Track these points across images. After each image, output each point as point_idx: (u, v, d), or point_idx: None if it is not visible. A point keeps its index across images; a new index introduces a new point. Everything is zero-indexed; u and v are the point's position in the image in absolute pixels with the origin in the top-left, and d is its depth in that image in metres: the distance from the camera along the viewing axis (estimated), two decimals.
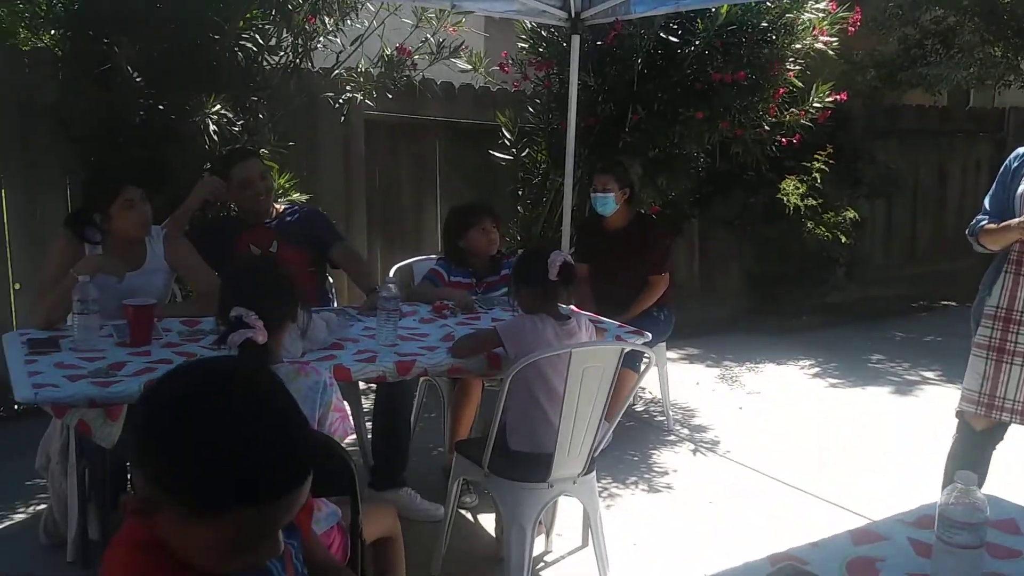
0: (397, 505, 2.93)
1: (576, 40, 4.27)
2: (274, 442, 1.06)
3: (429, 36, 4.41)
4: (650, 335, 3.37)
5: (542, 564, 3.16)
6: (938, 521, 1.42)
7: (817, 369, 5.88)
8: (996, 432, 3.06)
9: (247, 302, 2.01)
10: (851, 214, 6.44)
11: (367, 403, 3.90)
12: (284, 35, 4.20)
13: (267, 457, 1.05)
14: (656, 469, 4.10)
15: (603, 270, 4.41)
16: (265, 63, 4.22)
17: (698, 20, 4.49)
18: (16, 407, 4.35)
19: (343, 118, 4.93)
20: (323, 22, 4.14)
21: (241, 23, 3.77)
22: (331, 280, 3.94)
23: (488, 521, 3.46)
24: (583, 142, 4.83)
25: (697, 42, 4.52)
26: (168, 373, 1.13)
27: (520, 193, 5.45)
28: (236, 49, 3.88)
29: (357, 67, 4.59)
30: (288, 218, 3.65)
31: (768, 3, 4.44)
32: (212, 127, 3.73)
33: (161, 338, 2.89)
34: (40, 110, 4.23)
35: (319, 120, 5.13)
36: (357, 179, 5.48)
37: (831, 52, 4.98)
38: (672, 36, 4.61)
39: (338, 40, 4.30)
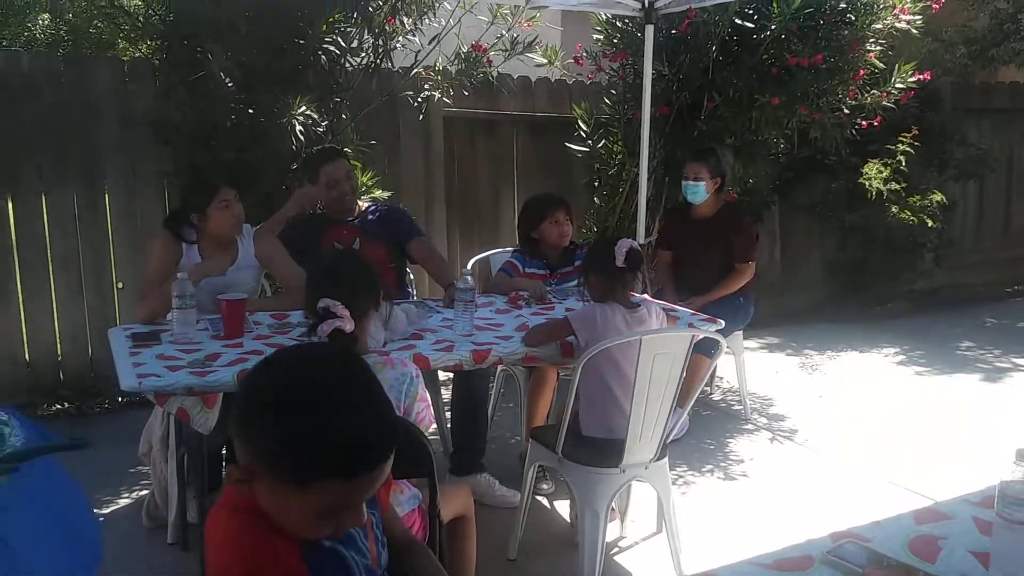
0: (476, 491, 3.03)
1: (650, 30, 4.28)
2: (362, 421, 1.18)
3: (504, 32, 4.49)
4: (723, 322, 3.39)
5: (616, 549, 3.22)
6: (998, 497, 1.44)
7: (902, 357, 5.76)
8: None
9: (334, 293, 2.13)
10: (938, 197, 6.26)
11: (446, 393, 4.02)
12: (365, 36, 4.34)
13: (355, 435, 1.17)
14: (732, 458, 4.11)
15: (688, 256, 4.48)
16: (347, 64, 4.37)
17: (773, 3, 4.43)
18: (120, 399, 4.64)
19: (421, 116, 5.06)
20: (402, 22, 4.26)
21: (324, 27, 3.92)
22: (411, 275, 4.08)
23: (563, 507, 3.54)
24: (658, 132, 4.85)
25: (773, 26, 4.47)
26: (268, 357, 1.28)
27: (596, 184, 5.49)
28: (320, 52, 4.04)
29: (435, 65, 4.70)
30: (370, 215, 3.79)
31: None
32: (299, 128, 3.89)
33: (252, 331, 3.06)
34: (138, 117, 4.49)
35: (399, 118, 5.29)
36: (436, 175, 5.62)
37: (914, 31, 4.86)
38: (747, 21, 4.58)
39: (416, 39, 4.42)
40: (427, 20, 4.30)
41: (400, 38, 4.33)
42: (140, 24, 4.08)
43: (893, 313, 6.84)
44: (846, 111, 4.77)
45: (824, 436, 4.35)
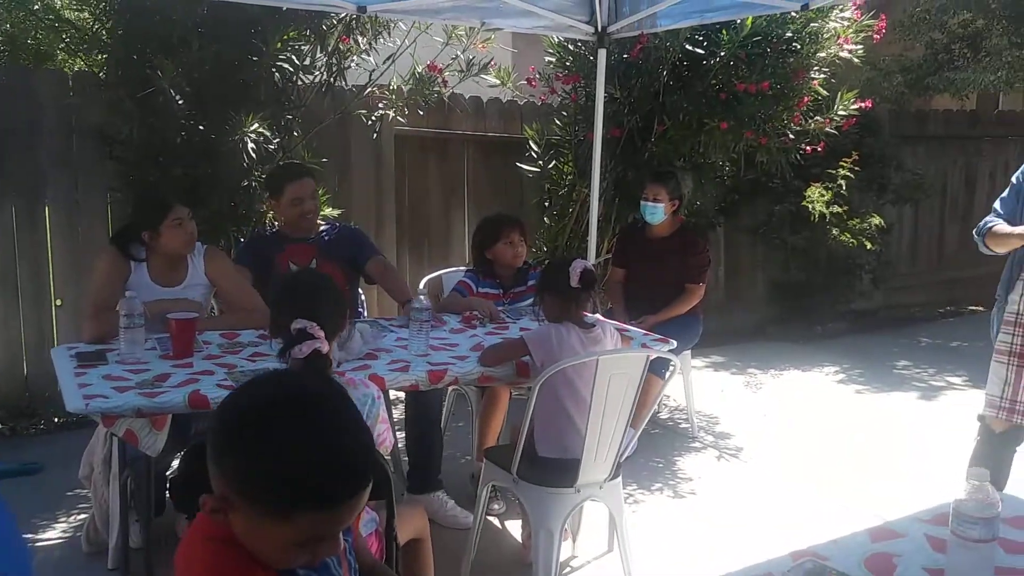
0: (428, 509, 3.02)
1: (603, 54, 4.35)
2: (341, 451, 1.16)
3: (459, 53, 4.52)
4: (675, 342, 3.44)
5: (568, 569, 3.24)
6: (952, 516, 1.49)
7: (842, 376, 5.90)
8: (1016, 435, 3.11)
9: (308, 314, 2.11)
10: (877, 220, 6.45)
11: (396, 411, 4.00)
12: (318, 55, 4.33)
13: (336, 465, 1.14)
14: (680, 476, 4.16)
15: (641, 275, 4.55)
16: (300, 82, 4.35)
17: (723, 31, 4.55)
18: (56, 419, 4.50)
19: (375, 135, 5.05)
20: (357, 42, 4.25)
21: (279, 44, 3.90)
22: (363, 296, 4.06)
23: (514, 527, 3.54)
24: (609, 153, 4.91)
25: (722, 53, 4.58)
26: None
27: (547, 204, 5.53)
28: (273, 69, 4.01)
29: (389, 85, 4.70)
30: (326, 235, 3.76)
31: (793, 14, 4.48)
32: (251, 145, 3.85)
33: (202, 350, 3.01)
34: (83, 131, 4.39)
35: (351, 136, 5.27)
36: (387, 193, 5.60)
37: (856, 60, 5.02)
38: (697, 48, 4.67)
39: (371, 59, 4.42)
40: (382, 40, 4.30)
41: (355, 57, 4.32)
42: (88, 38, 4.00)
43: (833, 333, 7.01)
44: (791, 136, 4.89)
45: (769, 454, 4.43)
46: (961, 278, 8.31)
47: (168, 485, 3.11)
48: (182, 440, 3.07)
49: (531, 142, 5.39)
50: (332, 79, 4.39)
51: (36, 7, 4.50)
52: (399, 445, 3.77)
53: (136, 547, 3.02)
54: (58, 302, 4.61)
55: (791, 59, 4.73)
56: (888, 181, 6.92)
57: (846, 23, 4.81)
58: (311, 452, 1.13)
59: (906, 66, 7.88)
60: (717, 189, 5.85)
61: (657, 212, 4.47)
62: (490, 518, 3.59)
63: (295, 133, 4.41)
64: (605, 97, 4.51)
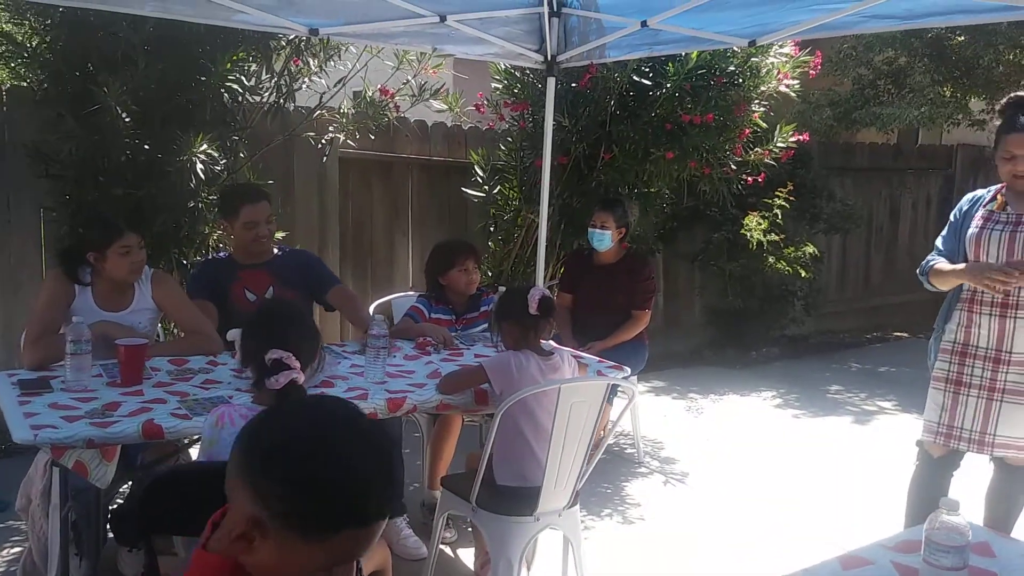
0: (385, 536, 2.98)
1: (551, 82, 4.40)
2: (378, 470, 1.17)
3: (410, 78, 4.52)
4: (629, 369, 3.48)
5: None
6: (925, 545, 1.53)
7: (779, 400, 6.04)
8: (953, 460, 3.22)
9: (283, 344, 2.07)
10: (811, 249, 6.66)
11: None
12: (265, 75, 4.28)
13: (375, 484, 1.16)
14: (629, 501, 4.19)
15: (588, 301, 4.62)
16: (246, 103, 4.29)
17: (669, 64, 4.66)
18: None
19: (325, 157, 5.01)
20: (307, 63, 4.22)
21: (228, 64, 3.83)
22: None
23: (466, 555, 3.52)
24: (555, 180, 4.96)
25: (668, 85, 4.69)
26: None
27: (492, 229, 5.55)
28: (222, 90, 3.94)
29: (339, 108, 4.67)
30: (281, 261, 3.68)
31: (735, 49, 4.62)
32: (199, 166, 3.77)
33: (151, 377, 2.92)
34: (16, 147, 4.24)
35: (295, 158, 5.21)
36: (331, 216, 5.54)
37: (793, 95, 5.20)
38: (644, 79, 4.77)
39: (322, 81, 4.39)
40: (333, 63, 4.27)
41: (305, 79, 4.28)
42: (27, 52, 3.86)
43: (768, 358, 7.19)
44: (733, 167, 5.02)
45: (714, 479, 4.50)
46: (886, 305, 8.64)
47: (110, 518, 3.01)
48: (128, 471, 2.99)
49: (477, 167, 5.41)
50: (281, 100, 4.34)
51: None
52: None
53: None
54: None
55: (732, 92, 4.87)
56: (820, 211, 7.15)
57: (784, 59, 4.97)
58: (370, 467, 1.15)
59: (834, 100, 8.18)
60: (657, 217, 5.97)
61: (605, 239, 4.55)
62: (442, 547, 3.55)
63: (241, 154, 4.33)
64: (553, 125, 4.56)
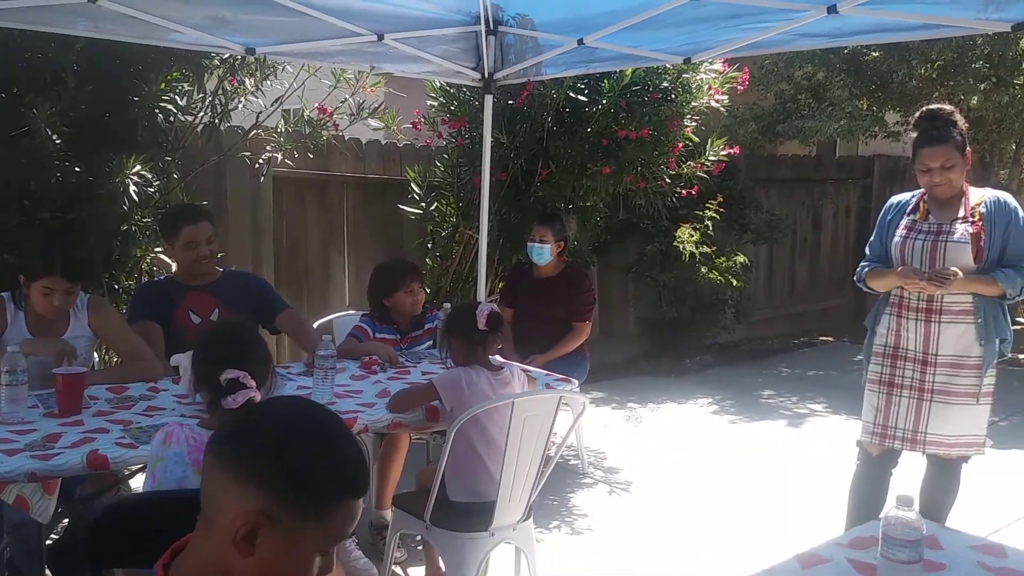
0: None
1: (489, 99, 4.44)
2: (355, 446, 1.28)
3: (348, 96, 4.49)
4: (576, 381, 3.53)
5: None
6: (882, 540, 1.60)
7: (715, 407, 6.17)
8: (891, 458, 3.36)
9: (238, 365, 2.04)
10: (741, 258, 6.84)
11: None
12: (197, 95, 4.21)
13: (357, 457, 1.27)
14: (576, 512, 4.23)
15: (528, 315, 4.66)
16: (179, 123, 4.21)
17: (604, 80, 4.75)
18: None
19: (263, 177, 4.95)
20: (243, 83, 4.17)
21: (163, 85, 3.76)
22: None
23: (416, 574, 3.50)
24: (494, 196, 4.99)
25: (604, 101, 4.77)
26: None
27: (430, 246, 5.55)
28: (156, 111, 3.86)
29: (277, 127, 4.62)
30: (226, 283, 3.62)
31: (668, 66, 4.73)
32: (132, 188, 3.68)
33: (89, 406, 2.83)
34: None
35: (228, 178, 5.13)
36: (265, 235, 5.47)
37: (723, 109, 5.35)
38: (580, 95, 4.86)
39: (259, 100, 4.34)
40: (270, 82, 4.23)
41: (241, 98, 4.23)
42: None
43: (701, 365, 7.35)
44: (667, 180, 5.13)
45: (658, 486, 4.57)
46: (811, 311, 8.93)
47: (48, 554, 2.90)
48: (67, 504, 2.89)
49: (413, 184, 5.41)
50: (217, 120, 4.27)
51: None
52: None
53: None
54: None
55: (665, 108, 4.98)
56: (748, 222, 7.35)
57: (715, 75, 5.11)
58: (345, 445, 1.26)
59: (759, 114, 8.42)
60: (592, 230, 6.06)
61: (544, 253, 4.60)
62: (394, 567, 3.52)
63: (174, 175, 4.25)
64: (491, 141, 4.60)
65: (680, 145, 5.11)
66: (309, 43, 3.85)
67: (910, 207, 3.29)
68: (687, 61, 3.92)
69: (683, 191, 5.33)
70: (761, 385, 6.82)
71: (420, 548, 3.56)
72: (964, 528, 2.19)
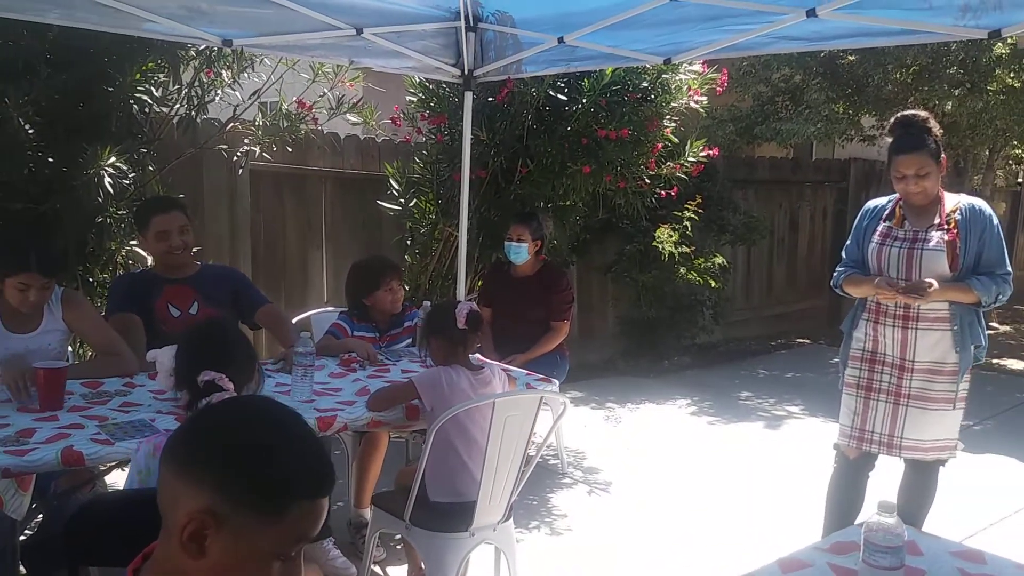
0: (312, 555, 2.91)
1: (469, 96, 4.41)
2: (315, 446, 1.26)
3: (326, 91, 4.46)
4: (557, 381, 3.51)
5: None
6: (864, 546, 1.60)
7: (694, 408, 6.19)
8: (867, 461, 3.37)
9: (220, 365, 2.01)
10: (720, 259, 6.87)
11: None
12: (173, 87, 4.15)
13: (320, 455, 1.25)
14: (556, 512, 4.22)
15: (507, 314, 4.65)
16: (155, 115, 4.15)
17: (584, 79, 4.74)
18: None
19: (240, 170, 4.90)
20: (220, 75, 4.12)
21: (138, 75, 3.70)
22: None
23: (396, 573, 3.48)
24: (473, 193, 4.96)
25: (584, 100, 4.77)
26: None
27: (408, 243, 5.52)
28: (131, 102, 3.80)
29: (254, 120, 4.57)
30: (205, 276, 3.57)
31: (648, 66, 4.73)
32: (107, 179, 3.62)
33: (64, 401, 2.78)
34: None
35: (204, 172, 5.07)
36: (242, 230, 5.41)
37: (702, 111, 5.36)
38: (560, 94, 4.85)
39: (237, 93, 4.29)
40: (247, 74, 4.18)
41: (219, 91, 4.17)
42: None
43: (679, 366, 7.36)
44: (647, 180, 5.14)
45: (637, 487, 4.57)
46: (788, 312, 8.99)
47: (22, 550, 2.85)
48: (41, 500, 2.84)
49: (392, 180, 5.37)
50: (193, 113, 4.21)
51: None
52: None
53: None
54: None
55: (645, 108, 4.98)
56: (727, 223, 7.37)
57: (694, 76, 5.12)
58: (302, 445, 1.24)
59: (737, 116, 8.47)
60: (571, 230, 6.05)
61: (521, 252, 4.59)
62: (373, 566, 3.50)
63: (150, 167, 4.19)
64: (471, 139, 4.57)
65: (660, 145, 5.11)
66: (287, 36, 3.80)
67: (886, 212, 3.30)
68: (667, 62, 3.91)
69: (663, 191, 5.33)
70: (739, 386, 6.85)
71: (399, 547, 3.54)
72: (939, 533, 2.20)
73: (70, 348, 3.38)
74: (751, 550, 3.67)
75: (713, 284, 6.77)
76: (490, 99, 4.90)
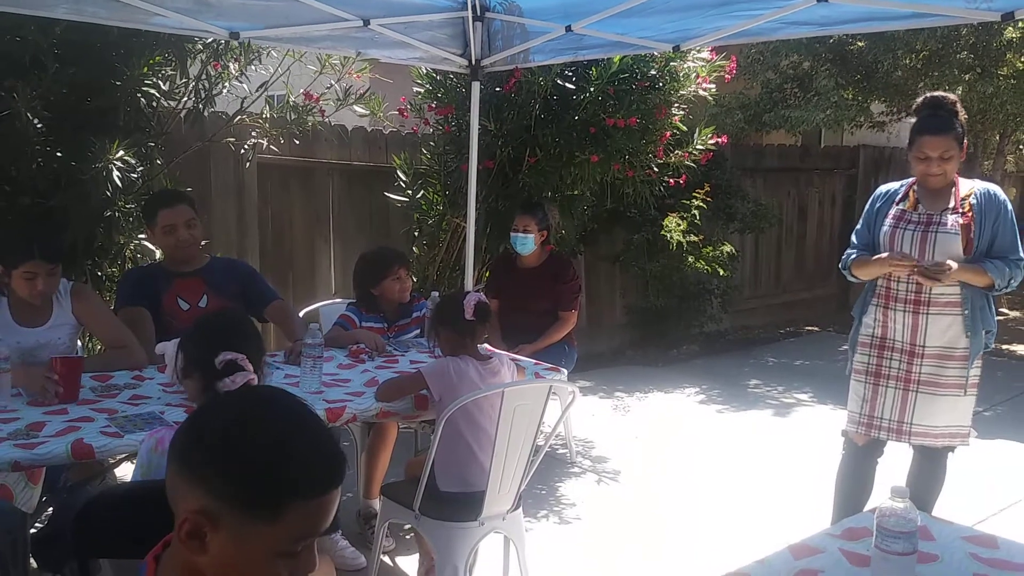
0: (322, 548, 2.92)
1: (476, 86, 4.40)
2: (318, 443, 1.21)
3: (333, 83, 4.45)
4: (565, 371, 3.51)
5: None
6: (876, 531, 1.59)
7: (702, 396, 6.18)
8: (876, 447, 3.36)
9: (234, 348, 2.01)
10: (728, 248, 6.85)
11: None
12: (180, 80, 4.15)
13: (321, 452, 1.20)
14: (564, 501, 4.23)
15: (514, 305, 4.64)
16: (162, 108, 4.16)
17: (592, 68, 4.73)
18: None
19: (248, 163, 4.90)
20: (227, 68, 4.12)
21: (145, 69, 3.71)
22: None
23: (405, 563, 3.50)
24: (481, 184, 4.96)
25: (591, 88, 4.75)
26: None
27: (416, 234, 5.52)
28: (138, 95, 3.80)
29: (262, 113, 4.56)
30: (215, 269, 3.57)
31: (656, 53, 4.71)
32: (116, 174, 3.62)
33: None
34: None
35: (212, 165, 5.08)
36: (250, 223, 5.42)
37: (710, 98, 5.33)
38: (568, 83, 4.83)
39: (244, 85, 4.29)
40: (254, 67, 4.17)
41: (226, 83, 4.17)
42: None
43: (688, 355, 7.36)
44: (655, 169, 5.12)
45: (646, 476, 4.57)
46: (797, 301, 8.96)
47: (32, 543, 2.87)
48: (51, 492, 2.86)
49: (400, 171, 5.37)
50: (200, 106, 4.21)
51: None
52: None
53: None
54: None
55: (653, 96, 4.96)
56: (735, 211, 7.35)
57: (702, 63, 5.09)
58: (300, 441, 1.19)
59: (745, 103, 8.43)
60: (579, 219, 6.04)
61: (527, 242, 4.59)
62: (383, 557, 3.51)
63: (157, 161, 4.19)
64: (479, 129, 4.57)
65: (668, 134, 5.09)
66: (294, 28, 3.81)
67: (899, 196, 3.28)
68: (676, 49, 3.90)
69: (671, 180, 5.31)
70: (747, 375, 6.83)
71: (408, 537, 3.55)
72: (951, 518, 2.19)
73: (79, 342, 3.40)
74: (761, 537, 3.66)
75: (722, 272, 6.76)
76: (497, 89, 4.88)
